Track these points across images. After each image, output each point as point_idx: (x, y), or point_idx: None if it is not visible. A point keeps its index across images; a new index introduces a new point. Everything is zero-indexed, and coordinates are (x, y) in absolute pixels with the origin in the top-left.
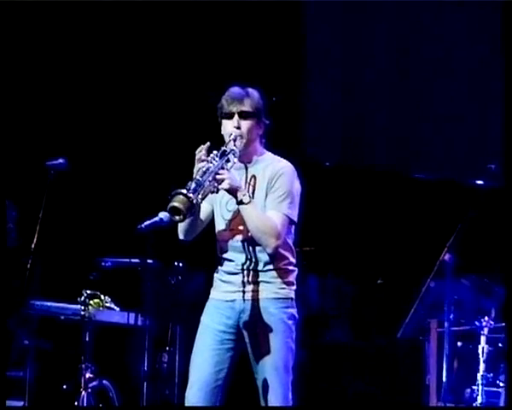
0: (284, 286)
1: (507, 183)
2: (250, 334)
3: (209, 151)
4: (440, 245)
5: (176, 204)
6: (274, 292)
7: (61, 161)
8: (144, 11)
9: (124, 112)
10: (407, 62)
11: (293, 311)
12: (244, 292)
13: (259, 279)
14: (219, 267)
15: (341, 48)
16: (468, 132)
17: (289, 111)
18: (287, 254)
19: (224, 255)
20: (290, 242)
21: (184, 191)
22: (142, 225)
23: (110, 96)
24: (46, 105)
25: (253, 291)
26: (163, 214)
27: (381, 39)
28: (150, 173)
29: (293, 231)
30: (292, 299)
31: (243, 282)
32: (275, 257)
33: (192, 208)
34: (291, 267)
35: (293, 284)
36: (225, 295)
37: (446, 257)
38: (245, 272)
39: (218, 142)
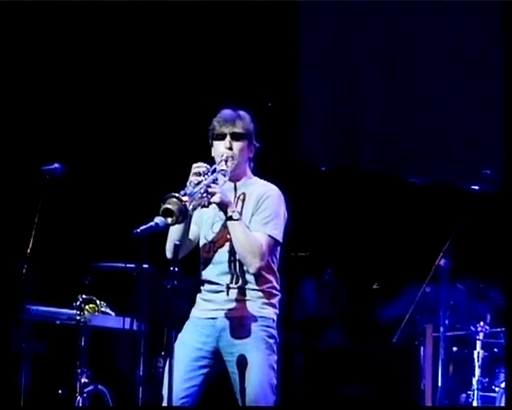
0: (266, 306)
1: (507, 183)
2: (230, 352)
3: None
4: (436, 250)
5: (169, 206)
6: (255, 311)
7: (56, 166)
8: (139, 14)
9: (119, 118)
10: (407, 62)
11: (274, 332)
12: (225, 310)
13: (242, 298)
14: (202, 288)
15: (339, 48)
16: (467, 132)
17: (285, 113)
18: (270, 277)
19: (208, 277)
20: (275, 267)
21: (177, 194)
22: (138, 230)
23: (105, 101)
24: (42, 110)
25: (234, 309)
26: (159, 219)
27: (380, 39)
28: (146, 178)
29: (277, 254)
30: (273, 320)
31: (225, 300)
32: (258, 279)
33: (184, 212)
34: (275, 291)
35: (275, 306)
36: (206, 313)
37: (442, 262)
38: (228, 290)
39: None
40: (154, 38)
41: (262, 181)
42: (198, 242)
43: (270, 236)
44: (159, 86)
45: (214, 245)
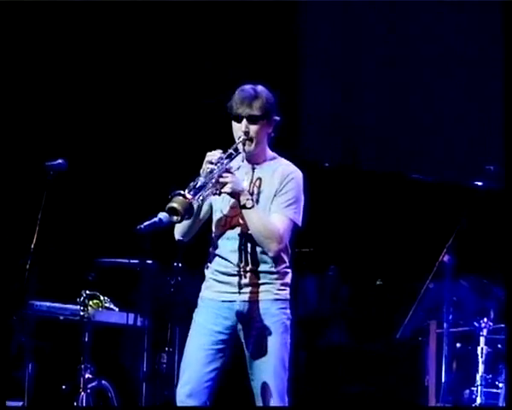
0: (283, 288)
1: (507, 182)
2: (248, 335)
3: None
4: (439, 246)
5: (174, 205)
6: (274, 293)
7: (60, 161)
8: (142, 11)
9: (123, 113)
10: (407, 62)
11: (289, 312)
12: (243, 293)
13: (259, 281)
14: (212, 265)
15: (340, 48)
16: (467, 132)
17: (287, 111)
18: (285, 257)
19: (220, 253)
20: (289, 247)
21: (183, 193)
22: (142, 226)
23: (109, 97)
24: (45, 106)
25: (252, 292)
26: (162, 215)
27: (380, 39)
28: (149, 174)
29: (292, 236)
30: (288, 300)
31: (242, 283)
32: (276, 260)
33: (190, 210)
34: (287, 269)
35: (289, 285)
36: (222, 295)
37: (445, 258)
38: (244, 273)
39: (216, 143)
40: (157, 36)
41: (284, 160)
42: (207, 219)
43: (290, 219)
44: (162, 85)
45: (231, 220)
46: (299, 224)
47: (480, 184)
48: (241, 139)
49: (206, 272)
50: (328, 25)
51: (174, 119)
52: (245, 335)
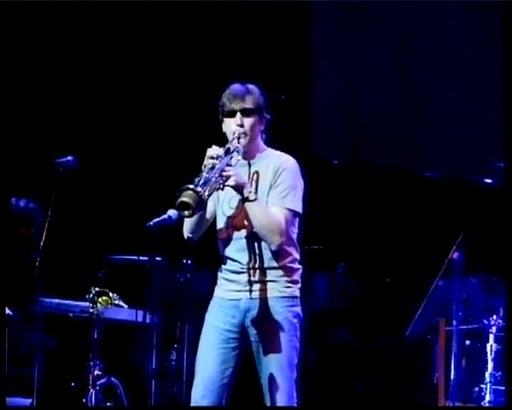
0: (289, 285)
1: (507, 182)
2: (255, 333)
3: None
4: (449, 244)
5: (185, 199)
6: (279, 291)
7: (69, 158)
8: (149, 10)
9: (132, 110)
10: (407, 62)
11: (298, 309)
12: (249, 291)
13: (265, 278)
14: (223, 266)
15: (340, 48)
16: (468, 132)
17: (294, 109)
18: (290, 250)
19: (227, 254)
20: (294, 237)
21: (192, 186)
22: (151, 223)
23: (118, 94)
24: (55, 103)
25: (258, 290)
26: (172, 212)
27: (381, 39)
28: (158, 171)
29: (297, 224)
30: (297, 297)
31: (249, 281)
32: (279, 254)
33: (201, 203)
34: (296, 265)
35: (298, 282)
36: (230, 294)
37: (455, 256)
38: (250, 271)
39: (222, 141)
40: (168, 34)
41: (276, 152)
42: (214, 218)
43: (288, 209)
44: (171, 81)
45: (233, 221)
46: (300, 211)
47: (489, 181)
48: (236, 134)
49: (219, 274)
50: (329, 25)
51: (184, 118)
52: (251, 332)
